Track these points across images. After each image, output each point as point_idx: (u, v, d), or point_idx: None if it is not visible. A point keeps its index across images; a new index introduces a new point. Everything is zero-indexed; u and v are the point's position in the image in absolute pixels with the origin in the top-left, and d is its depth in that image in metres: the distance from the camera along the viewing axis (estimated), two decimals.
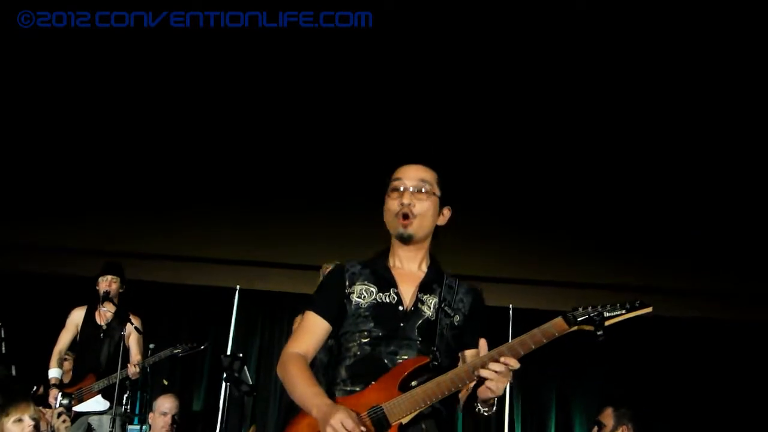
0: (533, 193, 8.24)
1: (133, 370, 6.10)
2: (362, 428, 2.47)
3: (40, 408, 5.85)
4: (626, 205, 8.23)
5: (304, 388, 2.64)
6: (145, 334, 6.48)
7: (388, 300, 2.78)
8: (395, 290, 2.79)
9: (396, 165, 2.90)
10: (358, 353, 2.72)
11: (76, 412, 6.15)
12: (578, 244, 8.18)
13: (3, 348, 6.92)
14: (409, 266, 2.87)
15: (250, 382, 6.68)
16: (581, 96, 7.32)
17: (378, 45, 6.76)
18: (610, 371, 8.34)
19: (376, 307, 2.76)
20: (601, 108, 7.47)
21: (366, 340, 2.72)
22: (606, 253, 8.18)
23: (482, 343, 2.59)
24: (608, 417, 5.59)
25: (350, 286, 2.82)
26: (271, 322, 8.56)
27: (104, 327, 6.46)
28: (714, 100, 7.18)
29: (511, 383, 2.49)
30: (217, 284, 8.75)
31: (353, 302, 2.78)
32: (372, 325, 2.73)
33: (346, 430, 2.42)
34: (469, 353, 2.79)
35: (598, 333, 2.56)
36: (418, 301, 2.78)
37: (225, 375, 6.07)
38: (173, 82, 7.56)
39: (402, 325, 2.73)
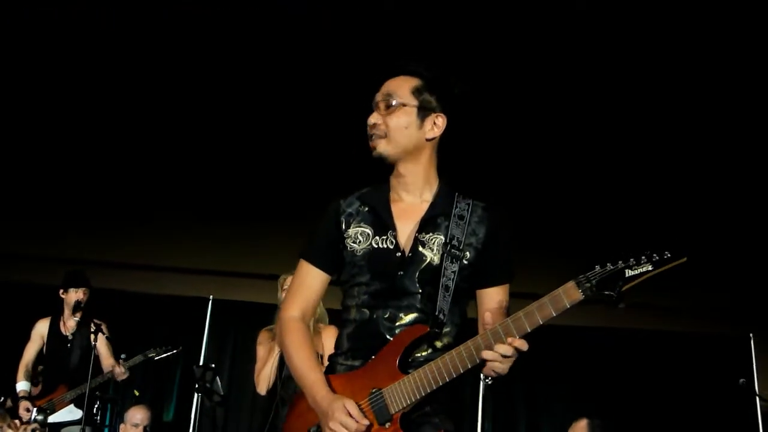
0: (528, 205, 8.29)
1: (119, 370, 6.08)
2: (365, 422, 2.28)
3: (14, 420, 5.82)
4: (595, 215, 8.31)
5: (302, 371, 2.47)
6: (118, 344, 6.45)
7: (384, 245, 2.46)
8: (393, 233, 2.46)
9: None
10: (357, 318, 2.47)
11: (50, 423, 6.11)
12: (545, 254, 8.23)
13: None
14: (409, 197, 2.54)
15: (222, 393, 6.66)
16: (580, 96, 7.36)
17: (371, 48, 6.78)
18: (580, 382, 8.41)
19: (372, 255, 2.45)
20: (586, 111, 7.51)
21: (364, 300, 2.46)
22: (571, 264, 8.21)
23: (487, 316, 2.31)
24: (582, 429, 5.63)
25: (346, 229, 2.52)
26: (244, 333, 8.53)
27: (70, 337, 6.42)
28: (701, 112, 7.26)
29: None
30: (190, 294, 8.72)
31: (349, 248, 2.49)
32: (368, 276, 2.45)
33: (347, 429, 2.27)
34: (488, 294, 2.48)
35: (619, 305, 2.14)
36: (418, 242, 2.44)
37: (197, 386, 6.04)
38: (147, 89, 7.53)
39: (401, 273, 2.42)
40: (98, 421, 6.32)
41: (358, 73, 6.98)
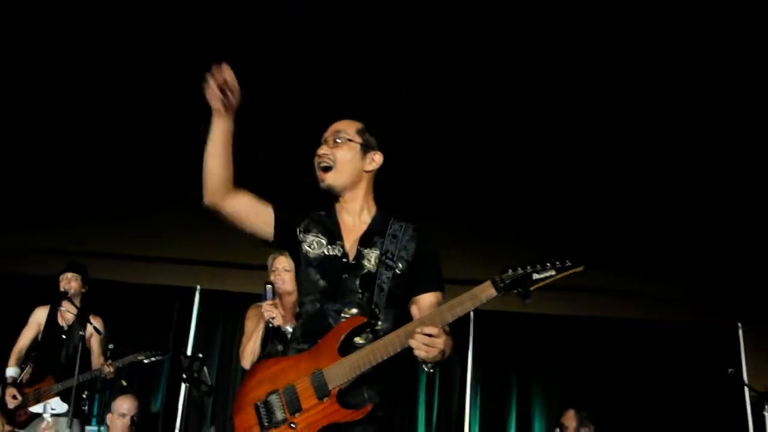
0: (486, 195, 8.31)
1: (107, 369, 6.05)
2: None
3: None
4: (581, 208, 8.32)
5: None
6: (106, 335, 6.42)
7: (333, 252, 2.86)
8: (341, 243, 2.87)
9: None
10: (309, 310, 2.83)
11: (32, 413, 6.08)
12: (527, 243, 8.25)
13: None
14: (351, 219, 2.95)
15: (210, 383, 6.65)
16: (578, 97, 7.36)
17: (371, 48, 6.77)
18: (568, 371, 8.44)
19: (323, 259, 2.85)
20: (586, 111, 7.52)
21: (316, 296, 2.82)
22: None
23: (414, 309, 2.72)
24: (570, 419, 5.68)
25: (304, 233, 2.92)
26: (233, 323, 8.51)
27: (65, 328, 6.40)
28: (692, 107, 7.28)
29: (444, 356, 2.54)
30: (178, 284, 8.69)
31: (303, 249, 2.90)
32: (319, 276, 2.83)
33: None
34: (421, 299, 2.83)
35: (526, 301, 2.52)
36: (360, 254, 2.85)
37: (185, 375, 6.03)
38: (144, 86, 7.50)
39: (345, 276, 2.81)
40: (86, 412, 6.29)
41: (358, 73, 7.02)
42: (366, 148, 2.94)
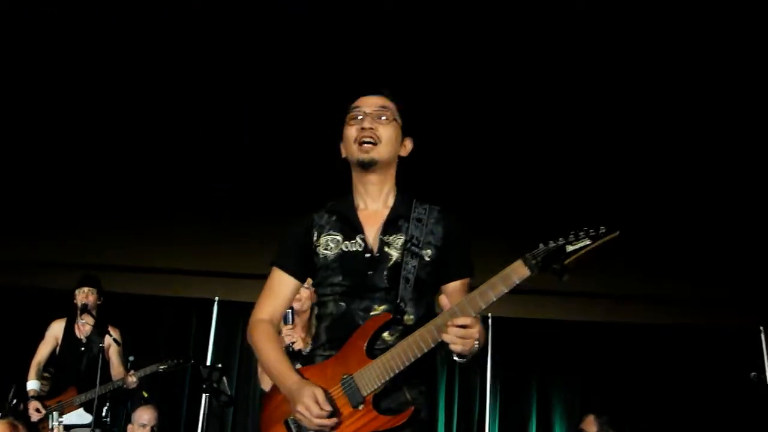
0: (498, 200, 8.27)
1: (131, 379, 6.09)
2: (327, 408, 2.41)
3: (16, 422, 5.82)
4: (602, 211, 8.28)
5: (273, 365, 2.62)
6: (125, 347, 6.46)
7: (354, 248, 2.64)
8: (361, 236, 2.65)
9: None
10: (334, 312, 2.63)
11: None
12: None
13: None
14: (374, 205, 2.72)
15: (229, 393, 6.67)
16: (577, 98, 7.34)
17: (371, 48, 6.76)
18: (588, 377, 8.40)
19: (343, 257, 2.63)
20: (583, 112, 7.49)
21: (339, 296, 2.62)
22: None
23: (443, 300, 2.49)
24: (590, 424, 5.65)
25: (317, 239, 2.69)
26: None
27: (83, 340, 6.45)
28: (707, 107, 7.23)
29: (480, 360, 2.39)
30: (196, 296, 8.72)
31: (320, 255, 2.66)
32: (341, 278, 2.62)
33: (312, 416, 2.40)
34: (451, 287, 2.66)
35: (563, 278, 2.30)
36: (383, 244, 2.64)
37: (204, 386, 6.05)
38: (151, 91, 7.52)
39: (370, 273, 2.60)
40: (108, 424, 6.33)
41: (358, 72, 7.01)
42: (404, 131, 2.75)
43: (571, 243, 2.31)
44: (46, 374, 6.57)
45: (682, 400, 8.22)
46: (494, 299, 2.35)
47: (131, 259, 8.54)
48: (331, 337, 2.62)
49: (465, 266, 2.70)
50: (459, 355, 2.36)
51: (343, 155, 2.76)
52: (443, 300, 2.49)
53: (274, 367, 2.61)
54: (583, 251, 2.30)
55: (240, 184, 8.31)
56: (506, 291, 2.34)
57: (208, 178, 8.33)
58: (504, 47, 6.77)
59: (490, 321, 8.05)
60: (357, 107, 2.71)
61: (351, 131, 2.68)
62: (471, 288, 2.54)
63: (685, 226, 8.35)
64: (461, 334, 2.30)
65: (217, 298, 8.69)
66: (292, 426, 2.54)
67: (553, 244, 2.32)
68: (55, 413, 6.07)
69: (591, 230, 2.32)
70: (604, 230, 2.31)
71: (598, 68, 6.91)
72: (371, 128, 2.65)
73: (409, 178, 2.84)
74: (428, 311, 2.63)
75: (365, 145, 2.64)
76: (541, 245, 2.34)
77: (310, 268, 2.71)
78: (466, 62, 6.94)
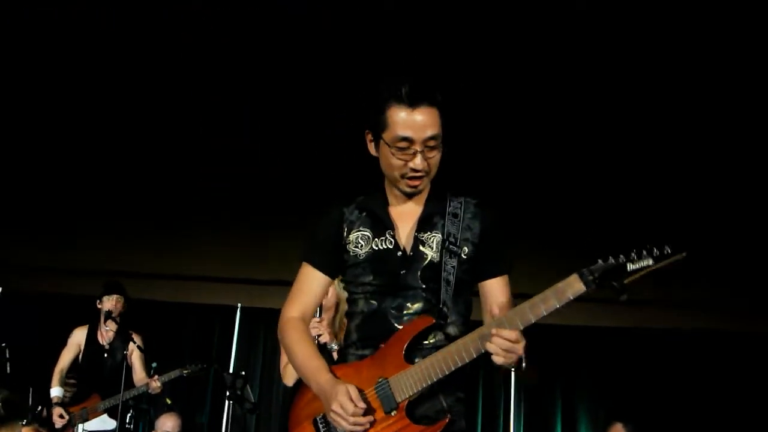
0: (526, 204, 8.24)
1: (155, 384, 6.12)
2: (363, 406, 2.32)
3: (41, 429, 5.87)
4: (617, 212, 8.23)
5: (304, 361, 2.52)
6: (148, 353, 6.49)
7: (384, 246, 2.52)
8: (391, 233, 2.53)
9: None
10: (365, 310, 2.53)
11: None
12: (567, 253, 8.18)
13: (7, 368, 6.92)
14: (407, 202, 2.58)
15: (253, 400, 6.67)
16: (581, 94, 7.30)
17: (371, 49, 6.75)
18: (615, 384, 8.33)
19: (374, 256, 2.52)
20: (568, 116, 7.45)
21: (370, 295, 2.52)
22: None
23: (494, 309, 2.34)
24: None
25: (347, 235, 2.57)
26: (273, 340, 8.52)
27: (106, 346, 6.49)
28: (712, 105, 7.17)
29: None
30: (219, 302, 8.75)
31: (351, 252, 2.55)
32: (371, 277, 2.52)
33: (348, 414, 2.31)
34: (488, 285, 2.55)
35: (621, 297, 2.17)
36: (418, 242, 2.51)
37: (228, 393, 6.06)
38: (167, 101, 7.56)
39: (403, 272, 2.48)
40: (131, 429, 6.36)
41: (358, 73, 7.00)
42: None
43: (633, 261, 2.19)
44: (70, 381, 6.61)
45: (709, 406, 8.13)
46: (545, 314, 2.23)
47: (154, 266, 8.58)
48: (362, 335, 2.54)
49: (503, 262, 2.57)
50: (500, 367, 2.28)
51: (372, 154, 2.58)
52: (494, 309, 2.35)
53: (306, 364, 2.51)
54: (644, 271, 2.19)
55: (265, 193, 8.33)
56: (558, 306, 2.22)
57: (233, 185, 8.37)
58: (504, 49, 6.73)
59: None
60: (408, 138, 2.42)
61: (398, 163, 2.46)
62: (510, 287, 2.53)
63: (714, 233, 8.28)
64: (506, 347, 2.22)
65: (239, 305, 8.71)
66: (320, 425, 2.47)
67: (613, 262, 2.21)
68: (79, 426, 6.11)
69: (655, 250, 2.20)
70: (668, 251, 2.19)
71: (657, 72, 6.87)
72: (423, 169, 2.46)
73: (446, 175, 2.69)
74: (467, 312, 2.55)
75: (413, 180, 2.48)
76: (600, 261, 2.22)
77: (341, 264, 2.60)
78: (466, 63, 6.91)
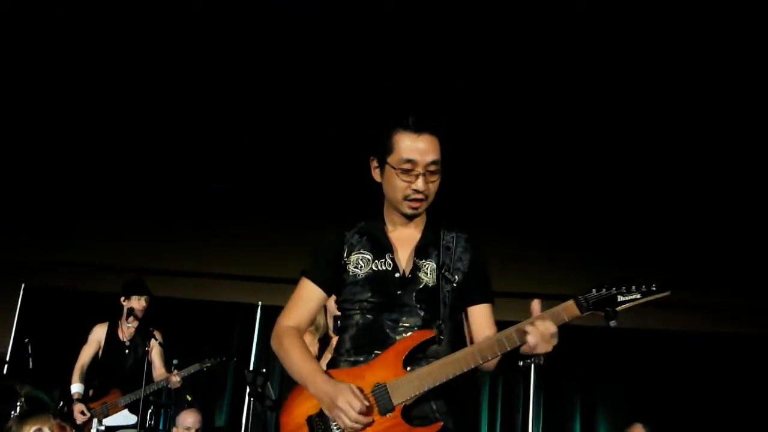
0: (530, 205, 8.23)
1: (174, 378, 6.16)
2: (366, 403, 2.48)
3: (64, 423, 5.91)
4: (650, 221, 8.20)
5: (301, 363, 2.67)
6: (168, 351, 6.52)
7: (383, 267, 2.72)
8: (390, 256, 2.74)
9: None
10: (360, 322, 2.71)
11: (105, 426, 6.22)
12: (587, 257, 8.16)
13: (30, 363, 7.00)
14: (405, 229, 2.80)
15: (274, 397, 6.69)
16: (582, 99, 7.28)
17: (371, 49, 6.75)
18: (634, 386, 8.28)
19: (373, 276, 2.71)
20: (582, 121, 7.43)
21: (367, 309, 2.69)
22: (625, 266, 8.10)
23: (469, 323, 2.69)
24: None
25: (348, 256, 2.76)
26: None
27: (127, 342, 6.53)
28: (712, 105, 7.13)
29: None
30: (240, 300, 8.79)
31: (350, 272, 2.74)
32: (369, 295, 2.69)
33: (354, 411, 2.44)
34: (476, 310, 2.78)
35: (611, 323, 2.42)
36: (415, 267, 2.73)
37: (248, 390, 6.09)
38: (187, 97, 7.60)
39: (399, 293, 2.68)
40: (152, 426, 6.40)
41: (359, 72, 7.01)
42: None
43: (622, 294, 2.44)
44: (92, 376, 6.66)
45: (729, 410, 8.06)
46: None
47: (176, 264, 8.64)
48: (356, 344, 2.70)
49: (487, 292, 2.82)
50: (528, 357, 2.54)
51: (376, 179, 2.79)
52: (470, 324, 2.68)
53: (302, 366, 2.66)
54: (632, 304, 2.43)
55: (286, 190, 8.36)
56: (555, 327, 2.47)
57: (255, 184, 8.40)
58: (504, 50, 6.72)
59: None
60: (411, 160, 2.65)
61: (401, 185, 2.68)
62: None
63: (734, 236, 8.22)
64: (549, 334, 2.46)
65: (260, 303, 8.74)
66: (316, 423, 2.60)
67: (605, 292, 2.45)
68: (95, 420, 6.16)
69: (643, 286, 2.43)
70: (654, 288, 2.43)
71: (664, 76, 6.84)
72: (424, 192, 2.68)
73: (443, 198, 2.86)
74: (457, 333, 2.75)
75: (414, 202, 2.69)
76: (594, 290, 2.46)
77: (339, 283, 2.77)
78: (467, 63, 6.89)
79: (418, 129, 2.67)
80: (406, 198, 2.69)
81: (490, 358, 2.53)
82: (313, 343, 5.01)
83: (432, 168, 2.67)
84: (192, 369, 6.27)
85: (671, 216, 8.16)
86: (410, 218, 2.76)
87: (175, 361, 6.32)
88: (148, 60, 7.06)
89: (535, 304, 2.53)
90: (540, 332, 2.44)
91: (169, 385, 6.20)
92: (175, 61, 7.05)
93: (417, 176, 2.66)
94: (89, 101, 7.73)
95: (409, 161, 2.66)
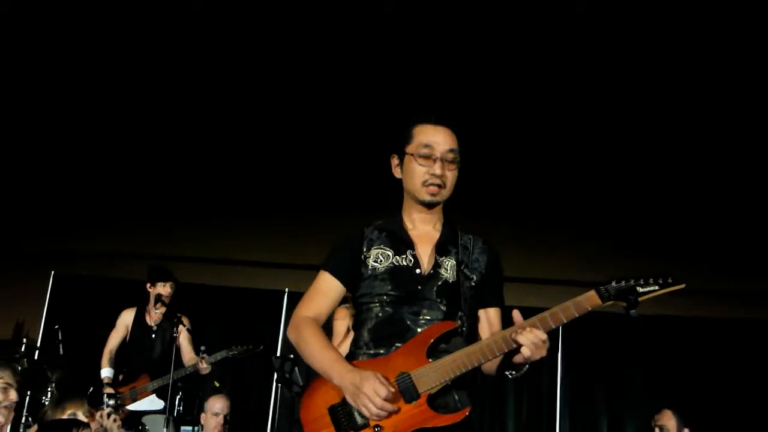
0: (544, 193, 8.20)
1: (203, 364, 6.20)
2: (392, 390, 2.49)
3: (93, 409, 5.99)
4: (672, 207, 8.14)
5: (321, 353, 2.68)
6: (196, 337, 6.57)
7: (404, 263, 2.77)
8: (412, 252, 2.79)
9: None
10: (380, 315, 2.73)
11: (131, 411, 6.27)
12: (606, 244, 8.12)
13: (60, 349, 7.08)
14: (424, 227, 2.86)
15: (301, 383, 6.72)
16: (585, 98, 7.25)
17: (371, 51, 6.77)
18: (661, 373, 8.23)
19: (393, 271, 2.75)
20: (601, 111, 7.39)
21: (386, 304, 2.72)
22: (647, 255, 8.04)
23: (516, 314, 2.59)
24: (669, 419, 5.51)
25: (367, 251, 2.81)
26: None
27: (154, 327, 6.59)
28: (714, 101, 7.08)
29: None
30: (266, 287, 8.82)
31: (369, 266, 2.78)
32: (389, 288, 2.73)
33: (380, 397, 2.45)
34: (489, 312, 2.84)
35: (631, 312, 2.50)
36: (436, 263, 2.78)
37: (276, 376, 6.11)
38: (214, 88, 7.64)
39: (420, 288, 2.72)
40: (180, 411, 6.45)
41: (383, 73, 7.02)
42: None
43: (641, 285, 2.52)
44: (121, 360, 6.72)
45: (759, 396, 7.99)
46: (565, 321, 2.54)
47: (203, 251, 8.69)
48: (376, 336, 2.72)
49: (500, 296, 2.90)
50: (516, 365, 2.57)
51: (397, 176, 2.90)
52: (516, 315, 2.59)
53: (323, 355, 2.67)
54: (650, 295, 2.53)
55: (310, 178, 8.37)
56: (577, 316, 2.53)
57: (280, 171, 8.43)
58: (505, 51, 6.71)
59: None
60: (429, 145, 2.77)
61: (420, 170, 2.77)
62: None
63: (758, 220, 8.15)
64: (537, 343, 2.48)
65: (287, 290, 8.77)
66: (340, 412, 2.60)
67: (625, 284, 2.53)
68: (105, 397, 6.20)
69: (660, 278, 2.53)
70: (671, 281, 2.52)
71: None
72: (442, 176, 2.76)
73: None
74: (474, 328, 2.81)
75: (432, 187, 2.77)
76: (614, 282, 2.54)
77: (357, 277, 2.81)
78: (467, 66, 6.88)
79: (437, 121, 2.82)
80: (424, 183, 2.76)
81: (508, 348, 2.55)
82: (347, 317, 5.02)
83: (450, 156, 2.77)
84: (220, 355, 6.30)
85: (695, 205, 8.10)
86: (429, 207, 2.82)
87: (202, 348, 6.36)
88: (178, 46, 7.11)
89: (516, 315, 2.57)
90: (532, 342, 2.47)
91: (198, 371, 6.24)
92: (205, 48, 7.08)
93: (435, 161, 2.75)
94: (117, 91, 7.79)
95: (427, 146, 2.76)
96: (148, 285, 6.59)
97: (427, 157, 2.76)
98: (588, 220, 8.30)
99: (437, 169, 2.75)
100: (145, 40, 7.14)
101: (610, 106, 7.32)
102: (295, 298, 9.29)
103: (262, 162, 8.43)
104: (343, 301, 4.96)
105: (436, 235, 2.84)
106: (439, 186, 2.76)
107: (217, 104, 7.86)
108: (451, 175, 2.79)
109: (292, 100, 7.71)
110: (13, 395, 3.34)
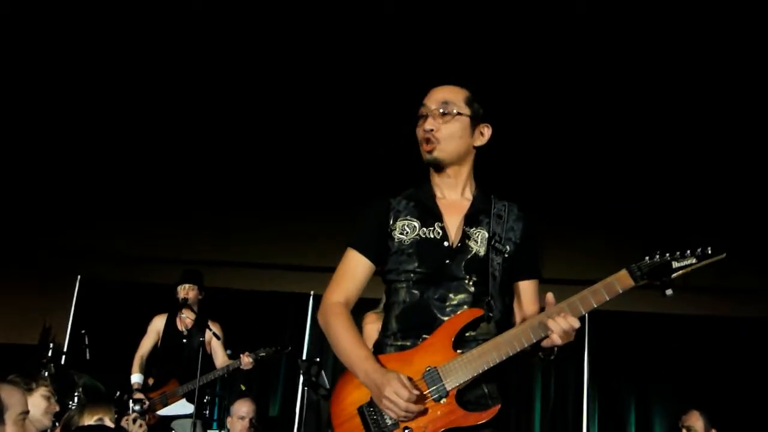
0: (546, 193, 8.14)
1: (246, 359, 6.21)
2: (416, 392, 2.36)
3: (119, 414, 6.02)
4: (692, 203, 8.07)
5: (350, 349, 2.56)
6: (223, 340, 6.59)
7: (432, 235, 2.61)
8: (440, 224, 2.62)
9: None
10: (407, 300, 2.58)
11: (161, 416, 6.30)
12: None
13: (87, 354, 7.12)
14: (451, 195, 2.70)
15: (328, 386, 6.72)
16: (585, 99, 7.22)
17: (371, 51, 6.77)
18: (689, 372, 8.14)
19: (420, 244, 2.60)
20: (602, 110, 7.35)
21: (413, 283, 2.57)
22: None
23: (549, 297, 2.47)
24: (697, 420, 5.47)
25: (394, 222, 2.65)
26: None
27: (185, 333, 6.61)
28: (718, 97, 7.01)
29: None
30: (292, 290, 8.84)
31: (396, 239, 2.62)
32: (416, 264, 2.57)
33: (403, 401, 2.33)
34: (522, 286, 2.66)
35: (667, 292, 2.33)
36: (465, 235, 2.61)
37: (302, 379, 6.12)
38: (242, 91, 7.65)
39: (448, 262, 2.56)
40: (207, 415, 6.47)
41: (362, 74, 7.01)
42: (475, 121, 2.68)
43: (677, 260, 2.34)
44: (152, 366, 6.74)
45: None
46: (595, 306, 2.40)
47: (229, 255, 8.72)
48: (403, 326, 2.57)
49: (536, 267, 2.71)
50: (546, 349, 2.44)
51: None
52: (549, 298, 2.47)
53: (350, 351, 2.56)
54: (688, 269, 2.34)
55: (335, 180, 8.38)
56: (608, 299, 2.39)
57: (305, 174, 8.45)
58: (505, 52, 6.68)
59: (586, 314, 7.91)
60: (423, 104, 2.69)
61: (419, 132, 2.69)
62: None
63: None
64: (567, 329, 2.36)
65: (312, 293, 8.78)
66: (368, 413, 2.48)
67: (659, 259, 2.36)
68: (130, 402, 6.23)
69: (698, 249, 2.34)
70: (710, 251, 2.33)
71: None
72: (431, 129, 2.62)
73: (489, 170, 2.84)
74: (508, 309, 2.65)
75: (424, 144, 2.65)
76: (647, 258, 2.38)
77: (385, 252, 2.66)
78: (467, 66, 6.86)
79: (434, 86, 2.73)
80: (420, 142, 2.67)
81: (537, 338, 2.43)
82: (377, 320, 5.00)
83: (443, 109, 2.64)
84: (262, 352, 6.30)
85: (717, 202, 8.02)
86: (436, 169, 2.68)
87: (228, 351, 6.38)
88: (186, 47, 7.13)
89: (549, 297, 2.46)
90: (563, 329, 2.37)
91: (241, 366, 6.24)
92: (206, 48, 7.10)
93: (428, 116, 2.65)
94: (149, 93, 7.84)
95: (422, 106, 2.68)
96: (176, 291, 6.62)
97: (422, 116, 2.67)
98: (594, 217, 8.24)
99: (427, 124, 2.63)
100: (151, 42, 7.17)
101: (610, 107, 7.28)
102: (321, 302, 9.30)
103: (289, 166, 8.45)
104: (369, 303, 4.99)
105: (466, 204, 2.68)
106: (429, 141, 2.63)
107: (242, 109, 7.89)
108: (446, 129, 2.63)
109: (315, 104, 7.71)
110: (54, 404, 3.38)
